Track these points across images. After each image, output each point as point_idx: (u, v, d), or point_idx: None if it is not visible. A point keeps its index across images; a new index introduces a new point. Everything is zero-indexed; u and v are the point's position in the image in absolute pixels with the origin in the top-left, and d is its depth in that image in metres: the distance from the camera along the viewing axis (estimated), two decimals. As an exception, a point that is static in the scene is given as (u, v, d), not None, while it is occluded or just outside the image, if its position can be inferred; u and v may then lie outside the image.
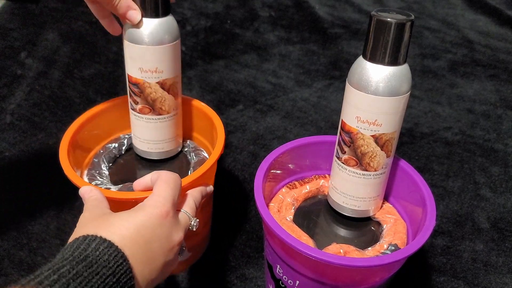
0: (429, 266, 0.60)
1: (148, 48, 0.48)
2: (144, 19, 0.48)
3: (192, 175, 0.47)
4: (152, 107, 0.52)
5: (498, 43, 1.08)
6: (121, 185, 0.52)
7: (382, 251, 0.45)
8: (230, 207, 0.68)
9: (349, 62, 1.00)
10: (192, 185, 0.48)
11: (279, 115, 0.85)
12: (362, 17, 1.17)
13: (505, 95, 0.92)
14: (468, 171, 0.74)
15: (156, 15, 0.48)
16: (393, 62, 0.40)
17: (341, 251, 0.44)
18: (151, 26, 0.48)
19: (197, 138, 0.61)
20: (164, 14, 0.48)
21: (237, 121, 0.83)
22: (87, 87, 0.88)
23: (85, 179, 0.54)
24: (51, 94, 0.85)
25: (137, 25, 0.48)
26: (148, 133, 0.55)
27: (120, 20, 0.49)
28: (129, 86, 0.52)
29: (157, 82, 0.51)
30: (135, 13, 0.47)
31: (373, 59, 0.41)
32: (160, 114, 0.53)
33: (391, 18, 0.39)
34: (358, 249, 0.45)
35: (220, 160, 0.75)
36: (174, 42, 0.50)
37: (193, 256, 0.59)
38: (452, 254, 0.62)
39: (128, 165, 0.57)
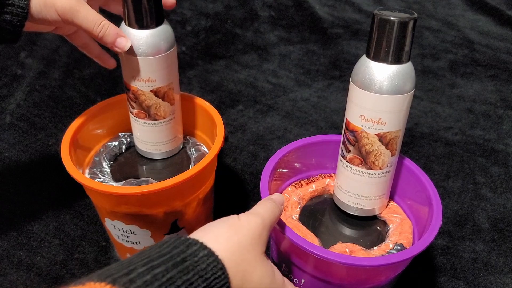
0: (429, 266, 0.60)
1: (140, 59, 0.48)
2: (136, 30, 0.47)
3: (193, 169, 0.48)
4: (148, 113, 0.52)
5: (498, 43, 1.08)
6: (124, 181, 0.53)
7: (388, 250, 0.45)
8: (230, 207, 0.68)
9: (349, 62, 1.00)
10: (194, 179, 0.48)
11: (279, 115, 0.85)
12: (362, 17, 1.17)
13: (505, 95, 0.91)
14: (468, 171, 0.74)
15: (147, 26, 0.47)
16: (397, 60, 0.40)
17: (347, 250, 0.44)
18: (143, 38, 0.47)
19: (198, 135, 0.61)
20: (157, 24, 0.47)
21: (237, 121, 0.83)
22: (87, 87, 0.87)
23: (87, 177, 0.54)
24: (51, 94, 0.85)
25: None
26: (146, 135, 0.55)
27: (110, 49, 0.46)
28: (125, 91, 0.52)
29: (150, 91, 0.50)
30: (124, 40, 0.45)
31: (376, 57, 0.41)
32: (155, 119, 0.53)
33: (394, 16, 0.39)
34: (363, 248, 0.45)
35: (220, 160, 0.75)
36: (167, 52, 0.49)
37: None
38: (452, 254, 0.62)
39: (129, 163, 0.57)
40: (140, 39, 0.47)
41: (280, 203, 0.40)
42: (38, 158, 0.73)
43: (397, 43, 0.40)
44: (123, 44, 0.45)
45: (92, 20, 0.42)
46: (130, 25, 0.47)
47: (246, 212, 0.36)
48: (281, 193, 0.53)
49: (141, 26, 0.47)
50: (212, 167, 0.55)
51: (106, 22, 0.43)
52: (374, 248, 0.46)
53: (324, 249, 0.41)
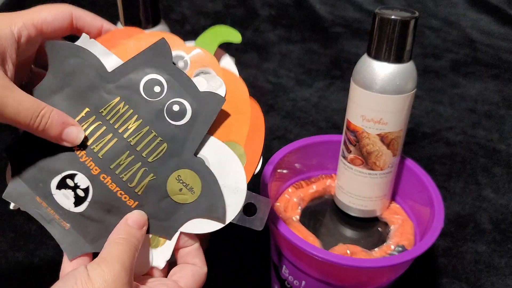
0: (431, 268, 0.60)
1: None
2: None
3: None
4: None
5: (500, 43, 1.08)
6: None
7: (389, 252, 0.45)
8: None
9: (350, 62, 1.00)
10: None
11: (280, 115, 0.84)
12: (363, 16, 1.16)
13: (507, 95, 0.91)
14: (470, 171, 0.73)
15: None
16: (398, 59, 0.40)
17: (348, 251, 0.44)
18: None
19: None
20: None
21: (237, 121, 0.82)
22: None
23: None
24: (49, 93, 0.84)
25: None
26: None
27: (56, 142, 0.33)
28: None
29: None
30: (75, 131, 0.33)
31: (377, 57, 0.41)
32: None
33: (395, 15, 0.39)
34: (364, 249, 0.45)
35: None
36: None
37: None
38: (454, 256, 0.61)
39: None
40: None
41: (137, 223, 0.33)
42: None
43: (398, 42, 0.39)
44: (73, 135, 0.33)
45: (27, 110, 0.30)
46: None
47: (97, 260, 0.29)
48: (281, 194, 0.52)
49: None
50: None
51: (47, 109, 0.31)
52: (375, 249, 0.46)
53: (325, 251, 0.40)
